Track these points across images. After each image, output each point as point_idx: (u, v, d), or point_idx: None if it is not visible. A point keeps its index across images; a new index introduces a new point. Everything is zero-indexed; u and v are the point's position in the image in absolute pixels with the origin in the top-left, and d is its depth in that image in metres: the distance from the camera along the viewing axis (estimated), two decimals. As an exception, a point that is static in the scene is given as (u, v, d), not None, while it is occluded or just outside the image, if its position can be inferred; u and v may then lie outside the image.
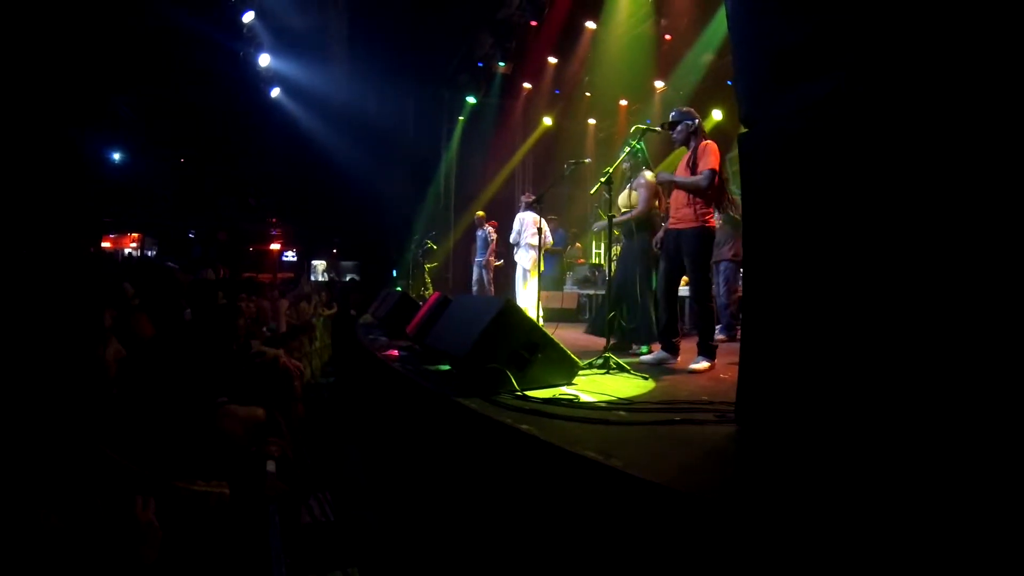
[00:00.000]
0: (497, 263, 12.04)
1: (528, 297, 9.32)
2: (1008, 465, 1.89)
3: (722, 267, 8.02)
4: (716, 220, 5.42)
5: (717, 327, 7.79)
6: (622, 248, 6.38)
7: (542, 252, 7.98)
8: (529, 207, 9.79)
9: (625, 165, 6.24)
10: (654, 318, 5.98)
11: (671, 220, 5.40)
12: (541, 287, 7.97)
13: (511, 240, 9.82)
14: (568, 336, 7.08)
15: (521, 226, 9.77)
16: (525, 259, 9.75)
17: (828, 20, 2.64)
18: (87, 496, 1.66)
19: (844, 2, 2.57)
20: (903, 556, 1.51)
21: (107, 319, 1.82)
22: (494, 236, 11.74)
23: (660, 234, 5.86)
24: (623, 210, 6.18)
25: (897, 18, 2.35)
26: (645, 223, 6.14)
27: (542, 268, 8.19)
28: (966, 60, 2.11)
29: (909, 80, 2.29)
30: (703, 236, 5.18)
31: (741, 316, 7.34)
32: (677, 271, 5.43)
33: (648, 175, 6.19)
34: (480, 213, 12.27)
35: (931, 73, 2.22)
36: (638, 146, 5.95)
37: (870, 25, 2.44)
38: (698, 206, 5.19)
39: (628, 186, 6.13)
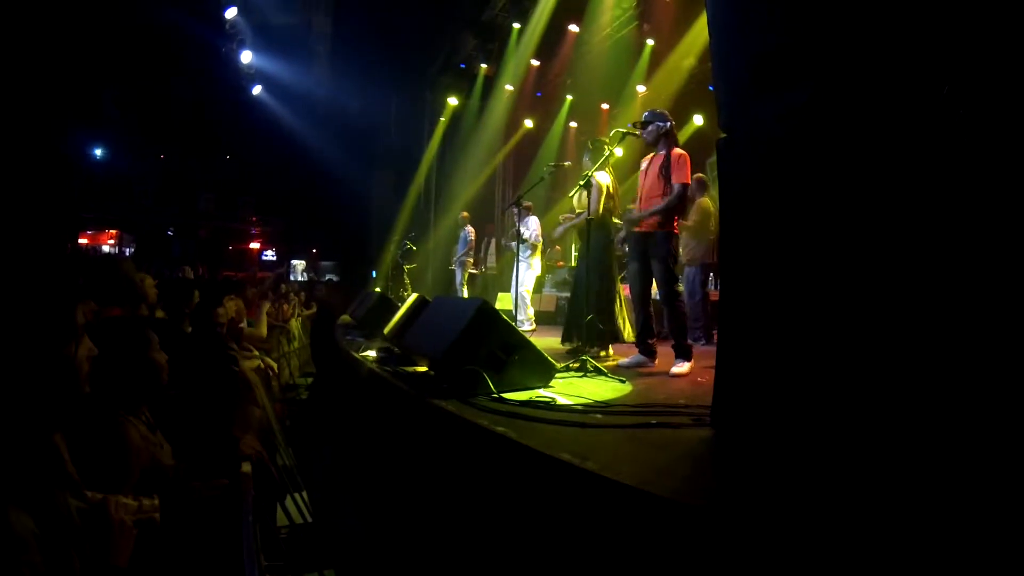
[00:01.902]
0: (473, 268, 12.01)
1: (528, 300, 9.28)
2: (979, 470, 1.91)
3: (687, 272, 8.02)
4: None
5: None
6: (579, 252, 6.35)
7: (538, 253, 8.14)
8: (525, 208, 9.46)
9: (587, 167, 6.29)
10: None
11: (640, 223, 5.40)
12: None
13: (525, 235, 9.24)
14: (545, 339, 7.08)
15: (536, 228, 9.51)
16: (536, 263, 9.58)
17: (806, 29, 2.66)
18: (57, 497, 1.64)
19: (821, 12, 2.60)
20: (876, 561, 1.53)
21: (80, 316, 1.80)
22: (472, 238, 11.69)
23: (622, 233, 5.87)
24: (577, 212, 6.19)
25: (872, 28, 2.37)
26: (600, 225, 6.15)
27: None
28: (940, 70, 2.14)
29: (882, 89, 2.32)
30: (671, 239, 5.22)
31: (714, 319, 7.40)
32: (648, 274, 5.44)
33: (600, 177, 6.19)
34: (464, 214, 12.21)
35: (904, 82, 2.25)
36: (607, 152, 5.93)
37: (846, 34, 2.46)
38: (668, 213, 5.22)
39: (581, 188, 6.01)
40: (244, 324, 6.76)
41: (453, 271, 11.99)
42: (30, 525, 1.46)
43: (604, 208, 6.11)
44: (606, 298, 6.21)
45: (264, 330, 7.33)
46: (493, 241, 13.46)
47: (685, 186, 5.18)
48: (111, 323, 2.80)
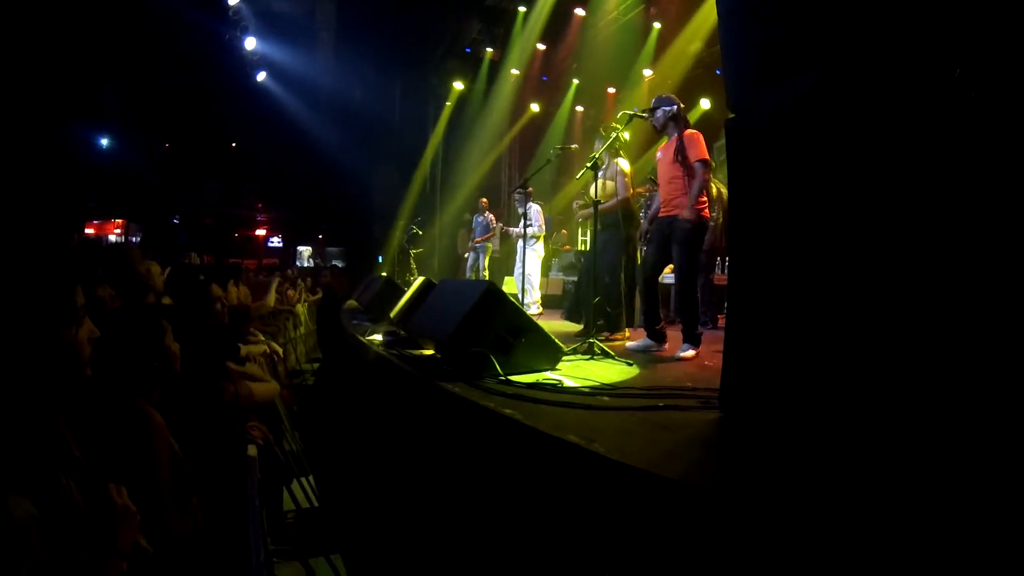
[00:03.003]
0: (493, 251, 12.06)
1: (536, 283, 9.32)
2: (990, 456, 1.89)
3: None
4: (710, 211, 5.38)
5: None
6: (599, 237, 6.30)
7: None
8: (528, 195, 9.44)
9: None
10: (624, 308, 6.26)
11: (664, 208, 5.33)
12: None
13: (531, 231, 9.00)
14: (552, 322, 7.08)
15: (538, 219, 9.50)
16: (540, 248, 9.61)
17: (814, 14, 2.62)
18: (61, 482, 1.63)
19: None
20: (880, 545, 1.51)
21: (80, 298, 1.78)
22: (496, 224, 11.69)
23: (645, 225, 5.86)
24: (590, 199, 6.18)
25: (879, 11, 2.34)
26: (626, 212, 6.15)
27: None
28: (951, 52, 2.10)
29: (890, 72, 2.28)
30: (699, 225, 5.05)
31: (719, 304, 7.41)
32: (663, 259, 5.36)
33: (623, 164, 6.20)
34: (484, 200, 12.15)
35: (913, 64, 2.21)
36: (613, 135, 5.90)
37: (853, 18, 2.43)
38: (694, 195, 5.07)
39: (600, 175, 5.77)
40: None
41: (466, 256, 11.97)
42: (30, 510, 1.45)
43: (630, 194, 6.15)
44: (617, 283, 6.22)
45: (271, 301, 7.32)
46: (499, 225, 13.46)
47: (705, 161, 5.04)
48: (125, 311, 2.78)
